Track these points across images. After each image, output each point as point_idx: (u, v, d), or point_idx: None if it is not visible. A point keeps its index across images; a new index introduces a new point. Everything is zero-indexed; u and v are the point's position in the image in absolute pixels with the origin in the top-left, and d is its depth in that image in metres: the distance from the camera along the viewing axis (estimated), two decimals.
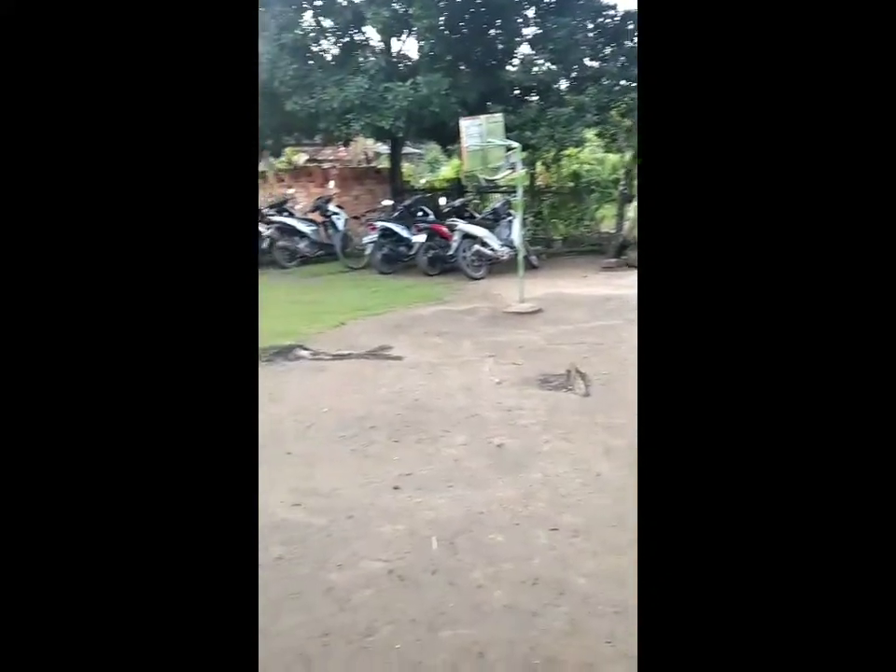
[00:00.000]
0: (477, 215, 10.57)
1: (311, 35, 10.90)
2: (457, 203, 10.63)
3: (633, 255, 9.53)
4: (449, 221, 9.75)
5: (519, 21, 11.26)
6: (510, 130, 8.32)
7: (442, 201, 10.69)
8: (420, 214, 10.37)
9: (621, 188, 11.04)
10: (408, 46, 11.27)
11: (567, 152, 11.58)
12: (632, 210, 10.58)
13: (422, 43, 10.50)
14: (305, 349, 5.96)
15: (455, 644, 2.22)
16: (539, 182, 12.74)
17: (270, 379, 5.22)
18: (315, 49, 11.09)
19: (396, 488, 3.33)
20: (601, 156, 13.14)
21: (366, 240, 10.12)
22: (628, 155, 10.74)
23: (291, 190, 12.25)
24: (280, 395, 4.82)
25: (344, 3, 10.68)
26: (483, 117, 7.75)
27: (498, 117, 7.76)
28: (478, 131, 7.38)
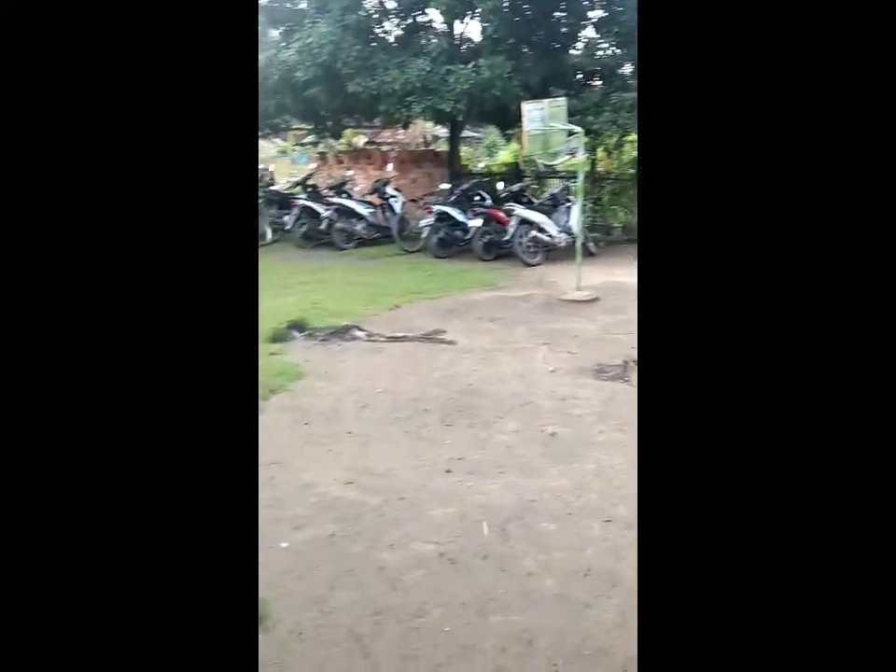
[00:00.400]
0: (535, 200, 10.45)
1: (374, 16, 10.91)
2: (515, 187, 10.53)
3: None
4: (506, 206, 9.67)
5: (584, 3, 11.03)
6: (572, 114, 8.19)
7: (500, 185, 10.59)
8: (477, 198, 10.32)
9: None
10: (471, 28, 11.14)
11: (629, 138, 11.32)
12: None
13: (485, 25, 10.39)
14: (361, 330, 6.02)
15: (505, 630, 2.22)
16: (599, 168, 12.52)
17: (326, 358, 5.30)
18: (377, 30, 11.10)
19: (448, 472, 3.34)
20: None
21: (422, 223, 10.13)
22: None
23: (350, 172, 12.34)
24: (336, 374, 4.89)
25: None
26: (545, 101, 7.64)
27: (561, 101, 7.64)
28: (540, 115, 7.29)
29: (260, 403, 4.30)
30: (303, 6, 11.44)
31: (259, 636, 1.87)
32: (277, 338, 5.74)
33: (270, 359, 5.19)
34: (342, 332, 5.95)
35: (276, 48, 11.15)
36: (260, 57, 11.05)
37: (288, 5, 11.70)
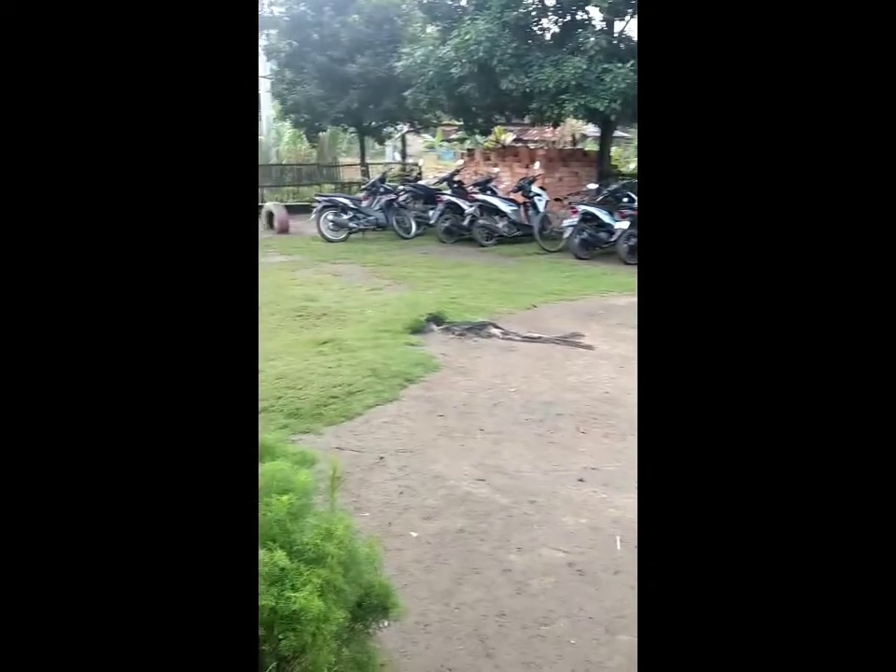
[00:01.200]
0: None
1: (532, 13, 10.85)
2: None
3: None
4: None
5: None
6: None
7: None
8: (625, 199, 10.04)
9: None
10: (631, 26, 10.81)
11: None
12: None
13: None
14: (497, 327, 6.01)
15: (634, 650, 2.13)
16: None
17: (462, 353, 5.34)
18: (535, 28, 11.04)
19: (580, 480, 3.26)
20: None
21: (566, 223, 9.98)
22: None
23: (496, 169, 12.38)
24: (471, 370, 4.92)
25: None
26: None
27: None
28: None
29: (398, 392, 4.41)
30: (463, 2, 11.58)
31: (386, 624, 1.90)
32: (416, 329, 5.86)
33: (408, 349, 5.31)
34: (478, 328, 5.98)
35: (433, 44, 11.36)
36: (417, 53, 11.33)
37: (449, 1, 11.88)
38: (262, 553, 1.34)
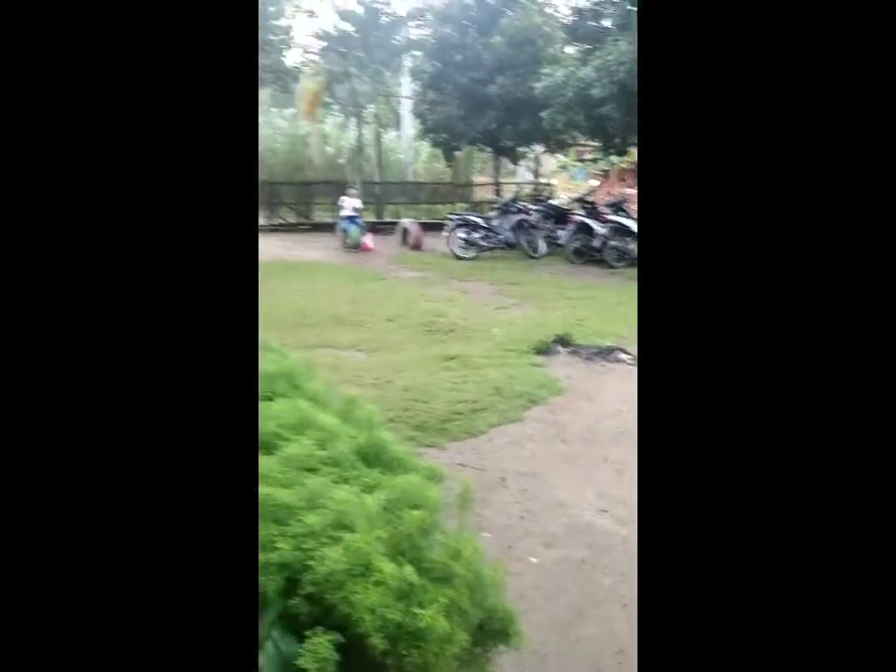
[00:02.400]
0: None
1: None
2: None
3: None
4: None
5: None
6: None
7: None
8: None
9: None
10: None
11: None
12: None
13: None
14: (625, 353, 5.85)
15: None
16: None
17: (588, 377, 5.24)
18: None
19: None
20: None
21: None
22: None
23: (631, 191, 12.12)
24: (597, 395, 4.81)
25: None
26: None
27: None
28: None
29: (522, 412, 4.38)
30: (606, 23, 11.49)
31: (504, 651, 1.87)
32: (542, 350, 5.82)
33: (533, 370, 5.28)
34: (605, 353, 5.85)
35: (574, 65, 11.33)
36: (558, 74, 11.33)
37: (591, 22, 11.82)
38: (392, 567, 1.36)
